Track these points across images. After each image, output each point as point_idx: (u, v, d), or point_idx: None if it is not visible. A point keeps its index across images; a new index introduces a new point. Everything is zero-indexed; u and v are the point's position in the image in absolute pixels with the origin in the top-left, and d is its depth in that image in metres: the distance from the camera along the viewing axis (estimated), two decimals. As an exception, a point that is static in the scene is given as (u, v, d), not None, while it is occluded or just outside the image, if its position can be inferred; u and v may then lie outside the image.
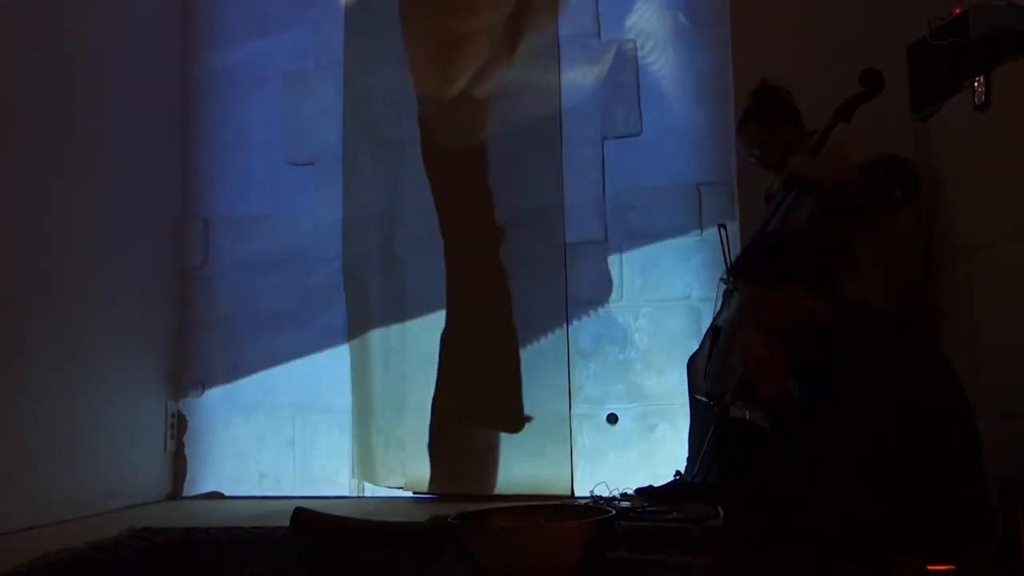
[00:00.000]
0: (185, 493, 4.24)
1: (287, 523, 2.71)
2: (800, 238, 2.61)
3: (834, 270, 2.30)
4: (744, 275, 2.37)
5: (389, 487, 4.01)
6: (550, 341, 3.95)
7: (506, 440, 3.89)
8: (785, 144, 3.07)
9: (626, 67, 4.08)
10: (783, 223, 2.94)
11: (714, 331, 3.10)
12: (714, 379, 2.98)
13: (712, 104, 3.93)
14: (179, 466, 4.27)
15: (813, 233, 2.75)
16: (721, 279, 3.24)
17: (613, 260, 4.00)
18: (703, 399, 3.12)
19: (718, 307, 3.27)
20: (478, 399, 3.95)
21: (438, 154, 4.13)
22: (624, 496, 3.32)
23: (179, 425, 4.29)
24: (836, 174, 2.84)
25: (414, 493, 3.95)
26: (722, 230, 3.24)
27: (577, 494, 3.75)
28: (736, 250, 3.24)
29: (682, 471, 3.29)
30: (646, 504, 3.09)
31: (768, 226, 3.02)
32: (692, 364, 3.29)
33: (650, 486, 3.23)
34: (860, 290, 2.36)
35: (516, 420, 3.89)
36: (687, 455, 3.30)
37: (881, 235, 2.88)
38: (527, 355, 3.95)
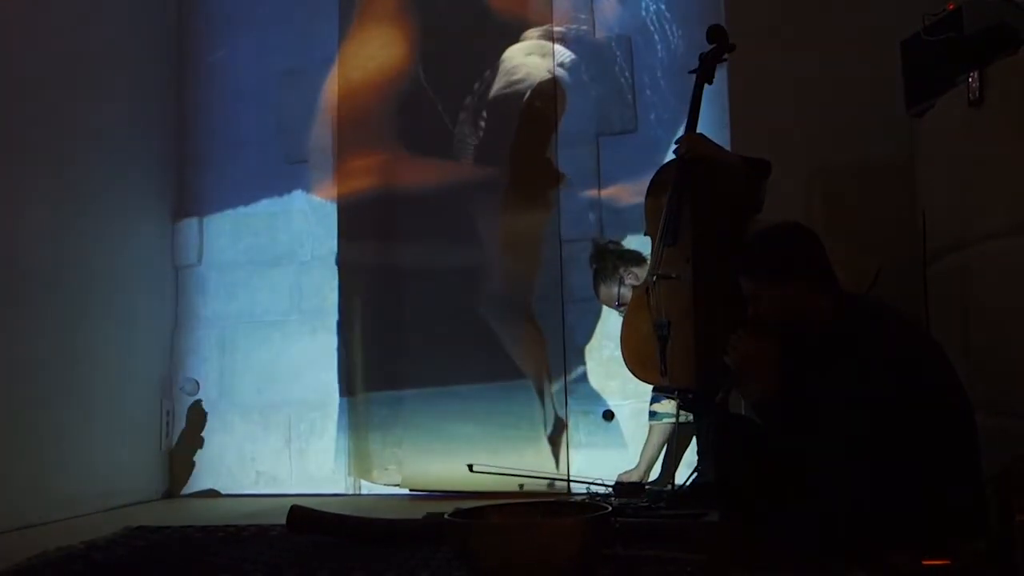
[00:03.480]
0: (181, 491, 4.24)
1: (283, 521, 2.72)
2: (800, 236, 2.62)
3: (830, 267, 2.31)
4: (745, 272, 2.37)
5: (385, 484, 4.01)
6: (546, 337, 3.95)
7: (503, 437, 3.89)
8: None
9: (621, 64, 4.07)
10: (693, 207, 2.95)
11: (657, 324, 3.03)
12: (676, 373, 2.95)
13: (707, 101, 3.91)
14: (175, 464, 4.27)
15: (809, 231, 2.76)
16: (658, 276, 3.17)
17: (608, 257, 4.00)
18: (668, 395, 3.12)
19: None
20: (476, 396, 3.96)
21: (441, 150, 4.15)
22: (620, 492, 3.31)
23: (175, 424, 4.29)
24: (729, 156, 3.00)
25: (410, 490, 3.95)
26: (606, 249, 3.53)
27: (573, 491, 3.75)
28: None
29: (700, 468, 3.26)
30: (662, 504, 3.04)
31: (676, 207, 3.01)
32: (635, 364, 3.21)
33: (672, 484, 3.18)
34: None
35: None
36: (697, 449, 3.29)
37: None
38: (523, 351, 3.95)
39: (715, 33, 3.03)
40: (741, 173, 2.89)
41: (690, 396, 3.10)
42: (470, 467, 3.35)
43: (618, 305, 3.45)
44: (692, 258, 2.91)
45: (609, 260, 3.50)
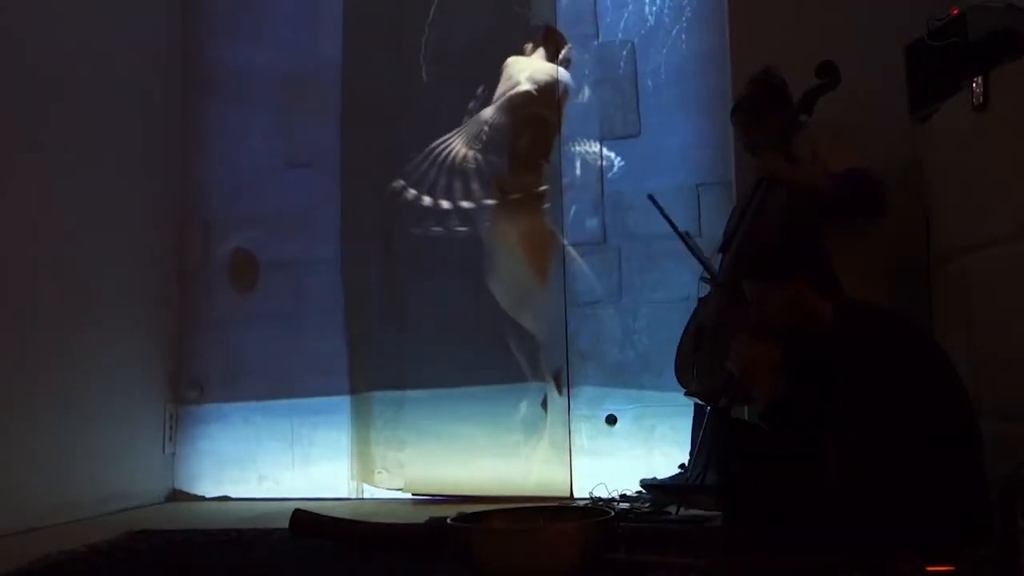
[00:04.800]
0: (184, 495, 4.23)
1: (286, 525, 2.71)
2: (803, 237, 2.62)
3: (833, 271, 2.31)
4: (748, 274, 2.37)
5: (388, 488, 4.01)
6: (549, 341, 3.95)
7: (505, 441, 3.90)
8: (775, 134, 3.07)
9: (624, 68, 4.08)
10: (753, 220, 2.95)
11: (698, 329, 3.09)
12: (703, 378, 2.97)
13: (710, 105, 3.92)
14: (178, 468, 4.27)
15: (814, 234, 2.76)
16: (702, 279, 3.24)
17: (612, 261, 4.00)
18: (695, 399, 3.12)
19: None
20: (480, 399, 3.96)
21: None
22: (624, 497, 3.32)
23: (178, 427, 4.29)
24: (807, 176, 2.88)
25: (413, 495, 3.95)
26: (688, 236, 3.28)
27: (576, 495, 3.75)
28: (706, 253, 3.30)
29: (686, 463, 3.29)
30: (647, 501, 3.08)
31: (741, 218, 3.04)
32: (678, 366, 3.27)
33: (654, 478, 3.23)
34: None
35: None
36: (690, 449, 3.30)
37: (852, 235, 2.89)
38: (527, 355, 3.96)
39: (826, 69, 3.01)
40: (823, 193, 2.83)
41: (694, 399, 3.12)
42: None
43: (740, 140, 3.28)
44: (732, 271, 2.93)
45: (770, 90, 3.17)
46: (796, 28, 3.57)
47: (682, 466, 3.31)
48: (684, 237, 3.29)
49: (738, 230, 3.04)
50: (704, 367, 2.97)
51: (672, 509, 2.94)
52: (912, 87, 3.06)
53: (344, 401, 4.15)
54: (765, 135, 3.09)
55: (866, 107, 3.05)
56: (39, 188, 3.45)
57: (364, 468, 4.07)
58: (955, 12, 2.80)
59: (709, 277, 3.16)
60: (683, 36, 4.05)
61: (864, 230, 2.90)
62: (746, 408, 2.91)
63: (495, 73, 4.17)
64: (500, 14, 4.18)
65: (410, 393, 4.05)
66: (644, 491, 3.22)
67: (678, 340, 3.39)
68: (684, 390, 3.25)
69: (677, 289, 3.91)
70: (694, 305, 3.57)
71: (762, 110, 3.11)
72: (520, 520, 2.21)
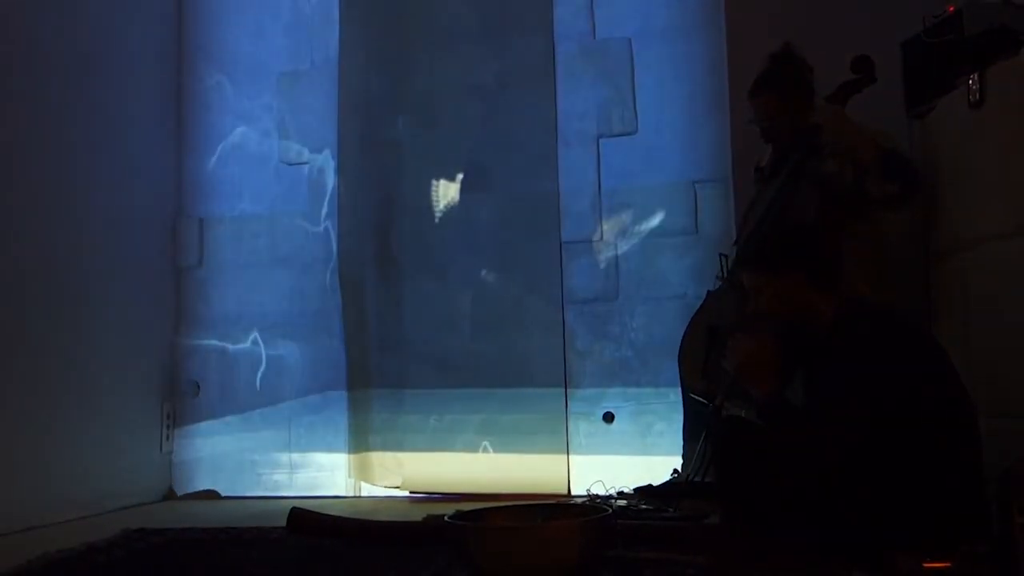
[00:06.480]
0: (181, 493, 4.23)
1: (284, 523, 2.71)
2: (804, 230, 2.62)
3: (836, 263, 2.31)
4: (747, 264, 2.37)
5: (386, 487, 4.01)
6: (546, 339, 3.95)
7: (503, 439, 3.90)
8: (794, 117, 3.04)
9: (622, 65, 4.07)
10: (778, 219, 2.94)
11: (711, 330, 3.10)
12: (712, 378, 2.98)
13: (708, 102, 3.93)
14: (175, 466, 4.26)
15: (814, 226, 2.76)
16: (718, 277, 3.25)
17: (609, 258, 4.01)
18: (699, 398, 3.12)
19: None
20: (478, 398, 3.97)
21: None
22: (621, 495, 3.32)
23: (175, 425, 4.28)
24: (860, 139, 2.86)
25: (410, 492, 3.95)
26: (723, 259, 3.26)
27: (573, 493, 3.76)
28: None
29: (679, 469, 3.30)
30: (643, 502, 3.10)
31: (766, 213, 3.02)
32: (682, 361, 3.28)
33: (649, 484, 3.24)
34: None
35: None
36: (682, 452, 3.31)
37: (870, 226, 2.89)
38: (523, 354, 3.96)
39: (861, 64, 3.00)
40: (867, 164, 2.80)
41: (698, 398, 3.13)
42: None
43: (753, 122, 3.18)
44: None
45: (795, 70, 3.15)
46: (793, 25, 3.57)
47: (675, 471, 3.32)
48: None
49: (761, 226, 3.01)
50: (713, 368, 2.96)
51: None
52: (908, 84, 3.07)
53: (342, 399, 4.14)
54: (788, 117, 3.03)
55: (862, 104, 3.04)
56: (35, 186, 3.44)
57: (362, 466, 4.06)
58: (951, 9, 2.81)
59: (722, 275, 3.16)
60: (680, 32, 4.04)
61: (886, 221, 2.91)
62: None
63: (493, 69, 4.17)
64: (499, 11, 4.17)
65: (408, 391, 4.05)
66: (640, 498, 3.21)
67: (675, 338, 3.40)
68: (687, 386, 3.25)
69: (674, 286, 3.92)
70: (691, 303, 3.59)
71: (791, 91, 3.05)
72: (518, 518, 2.21)
